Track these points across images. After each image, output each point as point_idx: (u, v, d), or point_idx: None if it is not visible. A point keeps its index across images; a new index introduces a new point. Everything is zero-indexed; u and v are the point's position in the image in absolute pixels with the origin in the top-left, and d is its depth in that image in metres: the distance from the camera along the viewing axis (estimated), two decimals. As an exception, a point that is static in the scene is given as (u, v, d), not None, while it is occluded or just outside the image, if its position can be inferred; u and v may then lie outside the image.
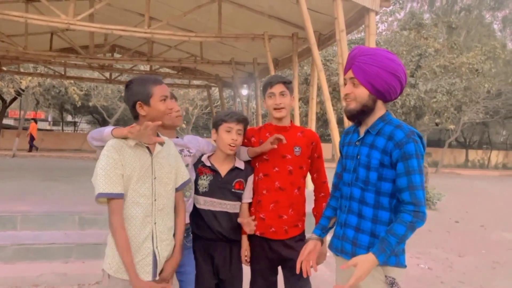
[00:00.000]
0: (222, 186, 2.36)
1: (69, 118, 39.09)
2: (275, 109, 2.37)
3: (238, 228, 2.41)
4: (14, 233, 4.63)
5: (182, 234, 2.12)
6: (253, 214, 2.41)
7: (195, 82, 17.31)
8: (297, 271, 2.03)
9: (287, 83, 2.38)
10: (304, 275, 2.05)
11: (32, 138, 21.24)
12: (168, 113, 2.00)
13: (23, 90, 19.09)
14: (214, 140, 2.45)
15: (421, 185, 1.73)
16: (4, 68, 14.18)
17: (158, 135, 2.03)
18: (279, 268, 2.48)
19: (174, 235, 2.08)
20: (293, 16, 7.77)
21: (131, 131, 1.87)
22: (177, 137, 2.40)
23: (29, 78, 16.81)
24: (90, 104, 23.17)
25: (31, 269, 4.05)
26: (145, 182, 1.93)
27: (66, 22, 7.05)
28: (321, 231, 2.11)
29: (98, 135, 1.96)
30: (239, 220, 2.35)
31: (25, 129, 22.26)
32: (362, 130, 1.93)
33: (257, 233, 2.38)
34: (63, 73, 14.43)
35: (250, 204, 2.45)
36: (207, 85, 15.63)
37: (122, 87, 18.71)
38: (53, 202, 5.52)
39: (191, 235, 2.39)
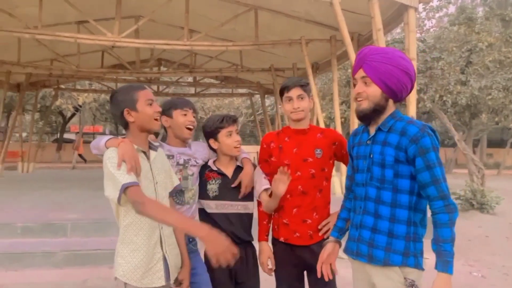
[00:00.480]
0: (232, 188, 2.37)
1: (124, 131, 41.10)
2: (292, 112, 2.31)
3: (250, 229, 2.42)
4: (64, 239, 4.94)
5: (183, 238, 2.14)
6: (276, 220, 2.36)
7: (240, 90, 17.59)
8: (318, 275, 1.98)
9: (304, 86, 2.31)
10: (326, 279, 2.01)
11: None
12: (156, 117, 1.97)
13: (80, 106, 20.43)
14: (213, 149, 2.44)
15: (443, 178, 1.72)
16: (62, 86, 15.27)
17: (150, 144, 2.04)
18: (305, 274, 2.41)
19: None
20: (330, 19, 7.67)
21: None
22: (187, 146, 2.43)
23: (85, 94, 17.97)
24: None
25: (78, 273, 4.28)
26: (149, 186, 1.94)
27: (112, 40, 7.49)
28: (338, 233, 2.08)
29: (96, 145, 1.98)
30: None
31: (87, 142, 23.67)
32: (372, 129, 1.89)
33: (281, 239, 2.32)
34: (115, 88, 15.27)
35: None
36: (250, 93, 15.81)
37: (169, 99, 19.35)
38: (101, 210, 5.82)
39: (195, 241, 2.38)
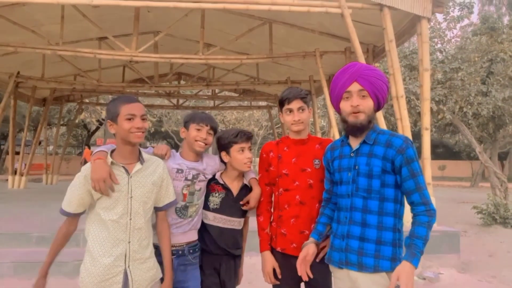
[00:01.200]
0: (233, 205, 2.39)
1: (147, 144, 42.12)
2: (293, 124, 2.33)
3: (240, 244, 2.48)
4: (76, 249, 5.04)
5: (169, 253, 2.16)
6: (274, 230, 2.37)
7: (259, 103, 17.69)
8: (299, 273, 2.05)
9: (305, 98, 2.33)
10: (305, 278, 2.07)
11: (85, 162, 22.40)
12: (134, 131, 1.97)
13: (104, 120, 20.99)
14: (224, 162, 2.45)
15: (425, 185, 1.87)
16: (86, 100, 15.77)
17: (140, 155, 2.07)
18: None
19: (161, 254, 2.16)
20: (344, 31, 7.65)
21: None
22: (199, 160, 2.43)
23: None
24: (163, 129, 24.69)
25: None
26: (119, 201, 1.96)
27: (130, 54, 7.70)
28: (318, 236, 2.14)
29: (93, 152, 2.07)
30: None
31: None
32: (353, 142, 2.01)
33: (278, 249, 2.33)
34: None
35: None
36: (268, 105, 15.88)
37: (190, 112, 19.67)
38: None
39: (199, 251, 2.38)
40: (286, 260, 2.31)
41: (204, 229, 2.39)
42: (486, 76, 12.17)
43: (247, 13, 8.11)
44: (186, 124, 2.37)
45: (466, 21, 15.68)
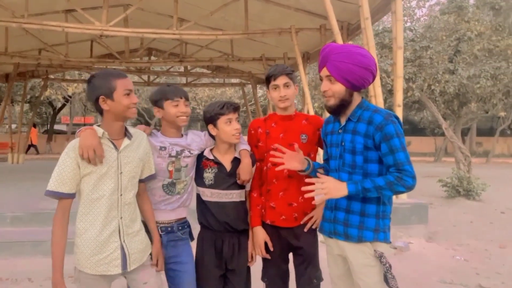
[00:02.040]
0: (228, 179, 2.36)
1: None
2: (280, 100, 2.38)
3: (245, 217, 2.42)
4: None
5: (154, 222, 2.20)
6: (263, 204, 2.42)
7: (232, 80, 17.54)
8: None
9: (290, 74, 2.38)
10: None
11: (30, 145, 20.86)
12: (132, 107, 1.97)
13: (70, 97, 20.28)
14: (212, 135, 2.43)
15: (407, 161, 1.88)
16: (52, 76, 15.13)
17: (126, 131, 2.05)
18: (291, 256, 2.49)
19: (147, 225, 2.19)
20: (320, 8, 7.69)
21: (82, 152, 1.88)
22: (182, 135, 2.40)
23: (75, 84, 17.81)
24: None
25: (68, 261, 4.31)
26: (110, 177, 1.93)
27: (100, 28, 7.42)
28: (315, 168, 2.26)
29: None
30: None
31: (73, 133, 23.54)
32: (343, 119, 2.07)
33: (268, 222, 2.40)
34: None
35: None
36: (242, 83, 15.80)
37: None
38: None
39: (188, 227, 2.41)
40: (276, 232, 2.39)
41: (203, 206, 2.38)
42: (454, 54, 12.58)
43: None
44: (158, 103, 2.29)
45: (434, 0, 15.97)
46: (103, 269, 1.92)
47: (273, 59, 10.74)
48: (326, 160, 2.25)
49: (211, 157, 2.38)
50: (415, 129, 31.01)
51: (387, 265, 1.91)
